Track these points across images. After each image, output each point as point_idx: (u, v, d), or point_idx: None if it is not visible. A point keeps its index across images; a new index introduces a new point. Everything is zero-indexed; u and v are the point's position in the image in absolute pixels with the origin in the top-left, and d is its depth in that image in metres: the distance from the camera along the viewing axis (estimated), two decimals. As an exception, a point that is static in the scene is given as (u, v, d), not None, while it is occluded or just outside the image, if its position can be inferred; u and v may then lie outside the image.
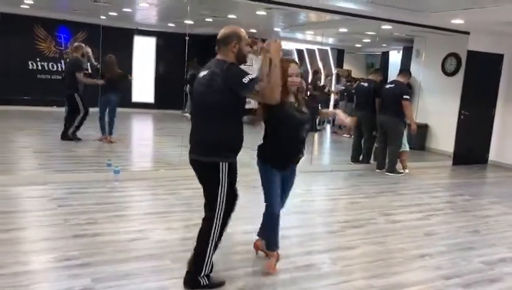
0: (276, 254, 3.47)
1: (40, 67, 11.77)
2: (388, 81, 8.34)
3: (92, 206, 4.69)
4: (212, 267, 3.06)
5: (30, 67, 11.66)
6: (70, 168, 6.15)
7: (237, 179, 3.15)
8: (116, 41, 10.64)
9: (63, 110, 9.85)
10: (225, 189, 2.96)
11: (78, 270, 3.22)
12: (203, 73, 2.99)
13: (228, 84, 2.86)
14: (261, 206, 3.42)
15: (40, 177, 5.52)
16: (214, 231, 2.98)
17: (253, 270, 3.45)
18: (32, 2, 9.47)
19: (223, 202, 2.97)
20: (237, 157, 3.10)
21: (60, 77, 10.76)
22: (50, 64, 11.90)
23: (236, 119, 3.00)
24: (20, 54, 11.40)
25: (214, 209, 2.97)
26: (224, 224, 3.06)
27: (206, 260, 2.99)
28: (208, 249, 2.97)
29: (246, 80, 2.83)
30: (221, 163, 2.93)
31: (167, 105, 11.94)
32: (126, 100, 12.13)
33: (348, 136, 10.39)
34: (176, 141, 7.92)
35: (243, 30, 3.05)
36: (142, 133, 10.93)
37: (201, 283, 3.02)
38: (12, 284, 2.96)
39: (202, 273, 3.00)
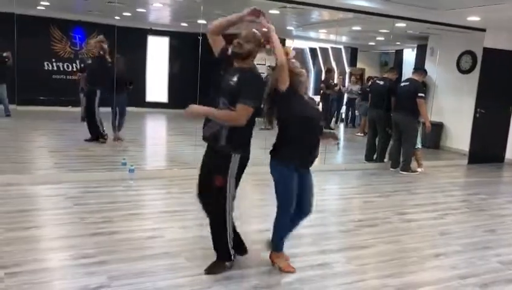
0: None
1: (55, 68, 11.92)
2: (403, 79, 8.28)
3: (108, 205, 4.74)
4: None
5: (46, 68, 11.82)
6: (86, 167, 6.23)
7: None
8: (130, 42, 10.74)
9: (78, 110, 9.99)
10: None
11: (95, 268, 3.26)
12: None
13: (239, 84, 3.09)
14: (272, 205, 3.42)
15: (56, 177, 5.60)
16: None
17: (267, 269, 3.45)
18: (48, 3, 9.60)
19: None
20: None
21: (75, 77, 10.89)
22: (65, 64, 12.04)
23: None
24: (36, 54, 11.54)
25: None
26: None
27: None
28: None
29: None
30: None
31: (181, 104, 11.96)
32: (140, 100, 12.24)
33: (362, 134, 10.34)
34: (190, 140, 7.96)
35: (257, 32, 3.21)
36: (156, 133, 11.00)
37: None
38: (31, 281, 3.01)
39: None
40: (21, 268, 3.19)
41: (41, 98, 11.02)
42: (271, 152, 3.36)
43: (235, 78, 3.08)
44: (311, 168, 3.51)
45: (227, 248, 3.26)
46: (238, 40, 3.14)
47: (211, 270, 3.27)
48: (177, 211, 4.75)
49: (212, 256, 3.33)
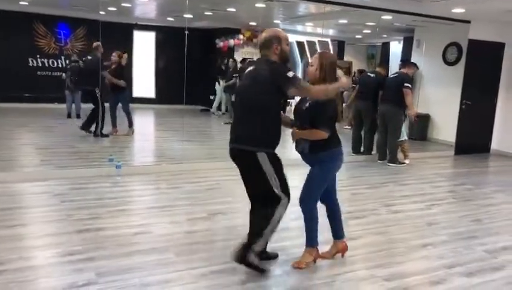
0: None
1: (40, 64, 11.79)
2: (391, 72, 8.33)
3: (95, 202, 4.71)
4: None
5: (30, 64, 11.68)
6: (72, 164, 6.17)
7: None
8: (116, 37, 10.62)
9: (63, 106, 9.90)
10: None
11: (82, 264, 3.23)
12: (249, 68, 3.20)
13: (274, 77, 3.03)
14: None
15: (43, 174, 5.55)
16: None
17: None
18: (31, -1, 9.46)
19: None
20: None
21: (61, 74, 10.77)
22: (50, 60, 11.91)
23: (275, 114, 3.18)
24: (20, 51, 11.42)
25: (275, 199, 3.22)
26: None
27: None
28: None
29: (290, 74, 3.03)
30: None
31: (168, 100, 11.95)
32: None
33: (349, 127, 10.36)
34: (177, 136, 7.95)
35: (281, 31, 3.24)
36: (143, 128, 10.93)
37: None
38: (17, 280, 2.97)
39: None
40: (6, 266, 3.15)
41: (26, 95, 10.89)
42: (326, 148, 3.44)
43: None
44: (297, 162, 3.52)
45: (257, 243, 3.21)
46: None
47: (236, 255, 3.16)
48: (165, 206, 4.73)
49: (198, 251, 3.30)
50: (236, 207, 4.54)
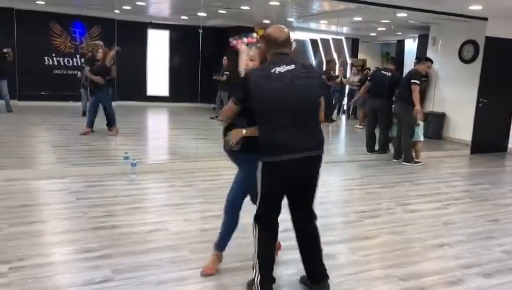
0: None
1: (56, 63, 11.92)
2: (405, 69, 8.26)
3: (110, 199, 4.74)
4: None
5: (46, 63, 11.81)
6: (88, 161, 6.23)
7: None
8: (130, 35, 10.71)
9: (79, 104, 9.99)
10: None
11: (98, 261, 3.26)
12: (289, 67, 2.75)
13: (320, 80, 2.89)
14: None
15: (59, 171, 5.61)
16: None
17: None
18: (47, -2, 9.57)
19: None
20: None
21: (77, 72, 10.88)
22: (66, 59, 12.03)
23: None
24: (37, 49, 11.54)
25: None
26: None
27: None
28: None
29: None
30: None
31: (182, 98, 12.00)
32: (141, 94, 12.24)
33: (361, 127, 10.29)
34: (191, 134, 7.97)
35: None
36: (157, 126, 11.00)
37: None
38: (36, 276, 3.01)
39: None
40: (25, 263, 3.19)
41: (42, 93, 11.02)
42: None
43: None
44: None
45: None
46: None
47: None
48: (179, 204, 4.75)
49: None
50: (250, 206, 4.54)
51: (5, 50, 10.51)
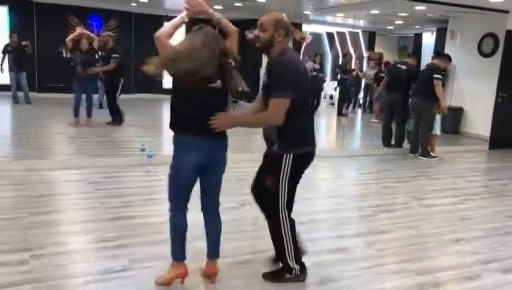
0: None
1: (73, 55, 12.00)
2: (423, 63, 8.16)
3: (127, 190, 4.79)
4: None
5: (64, 56, 11.92)
6: (105, 153, 6.30)
7: None
8: (147, 28, 10.73)
9: (95, 96, 10.07)
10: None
11: (116, 251, 3.31)
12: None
13: None
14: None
15: (77, 162, 5.69)
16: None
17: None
18: (65, -10, 9.67)
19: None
20: None
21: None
22: (100, 52, 12.12)
23: None
24: (55, 42, 11.65)
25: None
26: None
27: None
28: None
29: None
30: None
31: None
32: (157, 86, 12.29)
33: (377, 121, 10.22)
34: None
35: None
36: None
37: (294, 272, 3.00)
38: (54, 264, 3.07)
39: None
40: (45, 251, 3.25)
41: (61, 85, 11.12)
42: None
43: (265, 77, 2.82)
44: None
45: (286, 261, 2.97)
46: (255, 33, 2.90)
47: (267, 276, 3.04)
48: (193, 195, 4.77)
49: (228, 240, 3.33)
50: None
51: (23, 43, 10.66)
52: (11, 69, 10.58)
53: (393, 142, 7.74)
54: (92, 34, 8.36)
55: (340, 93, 11.57)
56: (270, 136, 2.87)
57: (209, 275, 3.00)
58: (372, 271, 3.28)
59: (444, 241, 3.93)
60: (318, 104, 8.17)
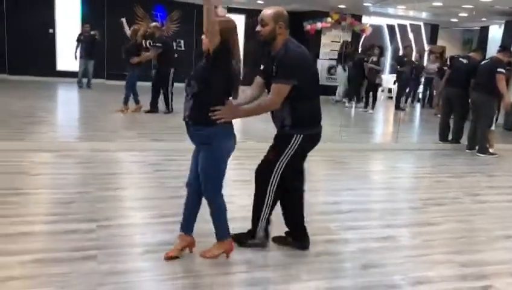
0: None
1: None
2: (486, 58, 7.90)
3: (185, 172, 5.02)
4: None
5: (130, 46, 12.52)
6: (165, 137, 6.66)
7: None
8: (208, 19, 11.05)
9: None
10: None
11: (172, 226, 3.55)
12: None
13: None
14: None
15: (139, 145, 6.08)
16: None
17: (332, 238, 3.60)
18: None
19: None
20: None
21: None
22: (147, 42, 12.67)
23: None
24: (122, 32, 12.28)
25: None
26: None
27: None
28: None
29: None
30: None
31: (250, 81, 12.25)
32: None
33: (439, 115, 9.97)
34: (264, 116, 8.19)
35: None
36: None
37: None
38: (119, 234, 3.39)
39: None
40: (110, 222, 3.59)
41: (125, 73, 11.77)
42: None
43: (274, 68, 3.00)
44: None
45: (256, 223, 3.31)
46: (256, 29, 3.11)
47: (236, 237, 3.32)
48: (247, 180, 4.98)
49: (281, 223, 3.48)
50: (316, 185, 4.70)
51: (92, 32, 11.35)
52: (81, 57, 11.32)
53: (450, 137, 7.59)
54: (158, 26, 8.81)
55: (398, 86, 11.39)
56: (281, 119, 3.10)
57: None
58: (416, 260, 3.34)
59: (494, 236, 3.90)
60: None
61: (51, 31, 12.62)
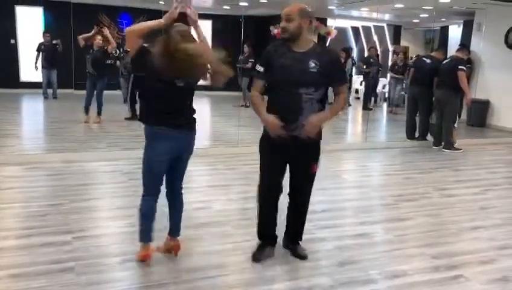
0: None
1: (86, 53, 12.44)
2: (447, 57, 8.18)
3: (159, 180, 5.06)
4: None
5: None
6: (137, 146, 6.58)
7: None
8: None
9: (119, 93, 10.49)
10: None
11: (150, 234, 3.56)
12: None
13: None
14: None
15: (112, 155, 6.01)
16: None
17: (309, 238, 3.66)
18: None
19: None
20: None
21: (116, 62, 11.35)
22: (113, 50, 12.51)
23: None
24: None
25: None
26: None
27: None
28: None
29: None
30: None
31: (224, 87, 12.24)
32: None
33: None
34: (233, 121, 8.24)
35: None
36: (200, 114, 11.31)
37: None
38: (95, 244, 3.37)
39: None
40: (86, 233, 3.56)
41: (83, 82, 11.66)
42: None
43: (312, 64, 2.92)
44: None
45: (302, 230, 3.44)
46: (281, 25, 2.98)
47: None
48: (222, 185, 5.03)
49: (252, 225, 3.49)
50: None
51: (54, 42, 11.11)
52: (43, 67, 11.08)
53: (417, 134, 7.81)
54: (110, 39, 8.69)
55: (365, 87, 11.63)
56: (297, 116, 3.02)
57: (172, 251, 3.27)
58: (391, 254, 3.45)
59: (463, 228, 4.06)
60: None
61: (12, 41, 12.31)
